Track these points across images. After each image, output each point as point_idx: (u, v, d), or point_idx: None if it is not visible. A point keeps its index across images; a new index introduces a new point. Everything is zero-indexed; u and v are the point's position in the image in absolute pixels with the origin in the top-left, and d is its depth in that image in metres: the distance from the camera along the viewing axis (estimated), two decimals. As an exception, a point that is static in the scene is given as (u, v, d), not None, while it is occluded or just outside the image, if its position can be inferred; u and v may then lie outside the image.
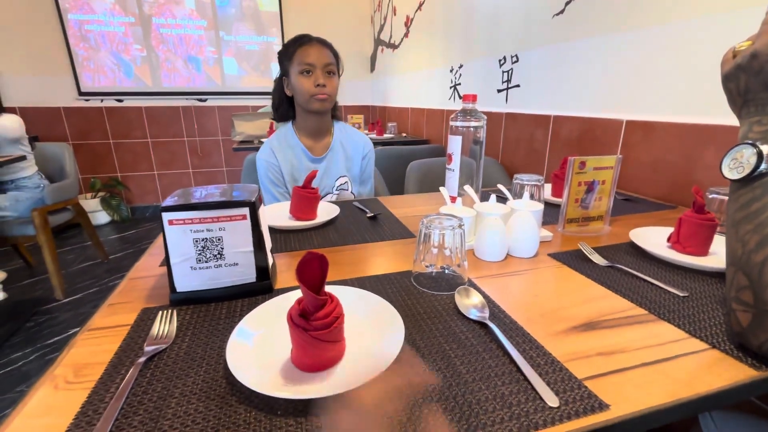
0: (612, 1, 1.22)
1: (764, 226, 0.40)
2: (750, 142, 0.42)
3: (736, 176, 0.43)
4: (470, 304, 0.51)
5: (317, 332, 0.38)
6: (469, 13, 2.09)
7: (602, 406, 0.35)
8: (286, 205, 0.93)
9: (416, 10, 2.79)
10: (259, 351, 0.42)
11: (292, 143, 1.20)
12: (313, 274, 0.39)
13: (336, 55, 1.14)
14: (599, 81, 1.30)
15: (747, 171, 0.42)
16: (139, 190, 3.72)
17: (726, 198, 0.78)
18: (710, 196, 0.80)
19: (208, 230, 0.51)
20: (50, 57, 3.17)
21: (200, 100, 3.64)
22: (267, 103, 3.54)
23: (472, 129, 0.81)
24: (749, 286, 0.40)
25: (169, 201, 0.51)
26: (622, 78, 1.22)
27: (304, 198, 0.85)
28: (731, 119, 0.92)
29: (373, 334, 0.46)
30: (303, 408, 0.36)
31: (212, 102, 3.69)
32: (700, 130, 1.00)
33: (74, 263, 2.61)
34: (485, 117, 0.82)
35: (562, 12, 1.43)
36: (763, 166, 0.40)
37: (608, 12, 1.24)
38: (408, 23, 2.98)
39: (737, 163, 0.43)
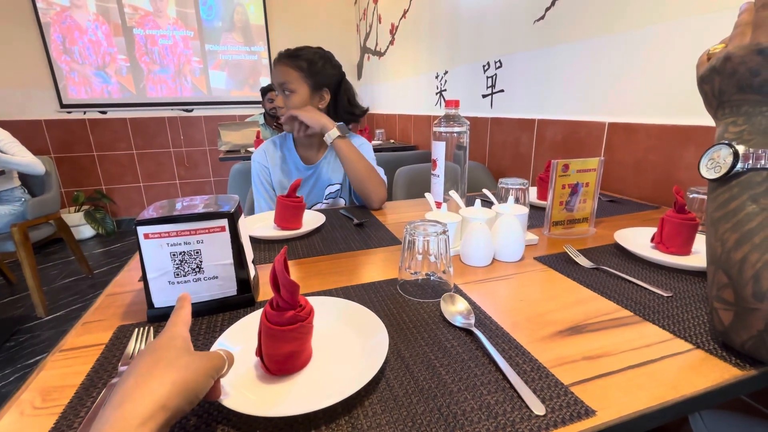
0: (590, 7, 1.25)
1: (742, 224, 0.40)
2: (726, 142, 0.42)
3: (713, 176, 0.43)
4: (456, 311, 0.51)
5: (276, 326, 0.38)
6: (453, 20, 2.11)
7: (588, 413, 0.35)
8: (270, 215, 0.91)
9: (401, 18, 2.81)
10: (237, 368, 0.41)
11: (285, 150, 1.20)
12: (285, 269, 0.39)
13: (301, 66, 1.05)
14: (581, 84, 1.32)
15: (724, 170, 0.42)
16: (125, 202, 3.66)
17: (706, 197, 0.79)
18: (691, 196, 0.81)
19: (185, 243, 0.50)
20: (30, 69, 3.12)
21: (186, 110, 3.61)
22: (254, 112, 3.55)
23: (455, 134, 0.81)
24: (729, 284, 0.40)
25: (145, 214, 0.50)
26: (603, 81, 1.24)
27: (288, 207, 0.84)
28: (708, 120, 0.94)
29: (357, 345, 0.45)
30: (283, 426, 0.34)
31: (198, 112, 3.66)
32: (679, 131, 1.02)
33: (57, 279, 2.55)
34: (468, 122, 0.82)
35: (542, 18, 1.46)
36: (739, 166, 0.41)
37: (587, 18, 1.26)
38: (393, 31, 3.00)
39: (714, 163, 0.43)
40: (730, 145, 0.42)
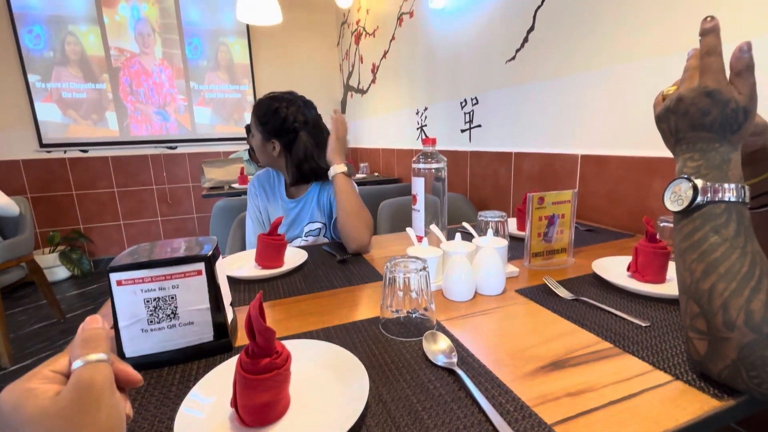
0: (556, 49, 1.34)
1: (707, 254, 0.41)
2: (686, 176, 0.45)
3: (677, 208, 0.45)
4: (438, 349, 0.50)
5: (251, 375, 0.37)
6: (431, 61, 2.22)
7: (572, 454, 0.34)
8: (250, 254, 0.90)
9: (381, 58, 2.94)
10: (211, 421, 0.39)
11: (276, 180, 1.25)
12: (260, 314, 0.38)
13: (257, 114, 1.13)
14: (553, 119, 1.39)
15: (686, 203, 0.44)
16: (104, 241, 3.55)
17: (676, 226, 0.82)
18: (661, 225, 0.84)
19: (160, 289, 0.48)
20: (9, 111, 3.10)
21: (170, 147, 3.61)
22: (239, 148, 3.57)
23: (433, 170, 0.83)
24: (701, 314, 0.41)
25: (119, 259, 0.49)
26: (573, 116, 1.31)
27: (270, 245, 0.83)
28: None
29: (336, 392, 0.43)
30: (257, 484, 0.33)
31: (182, 149, 3.66)
32: (647, 162, 1.07)
33: (26, 325, 2.41)
34: (445, 159, 0.85)
35: (513, 58, 1.55)
36: (699, 199, 0.43)
37: (553, 58, 1.35)
38: (375, 70, 3.12)
39: (677, 196, 0.46)
40: (690, 180, 0.44)
